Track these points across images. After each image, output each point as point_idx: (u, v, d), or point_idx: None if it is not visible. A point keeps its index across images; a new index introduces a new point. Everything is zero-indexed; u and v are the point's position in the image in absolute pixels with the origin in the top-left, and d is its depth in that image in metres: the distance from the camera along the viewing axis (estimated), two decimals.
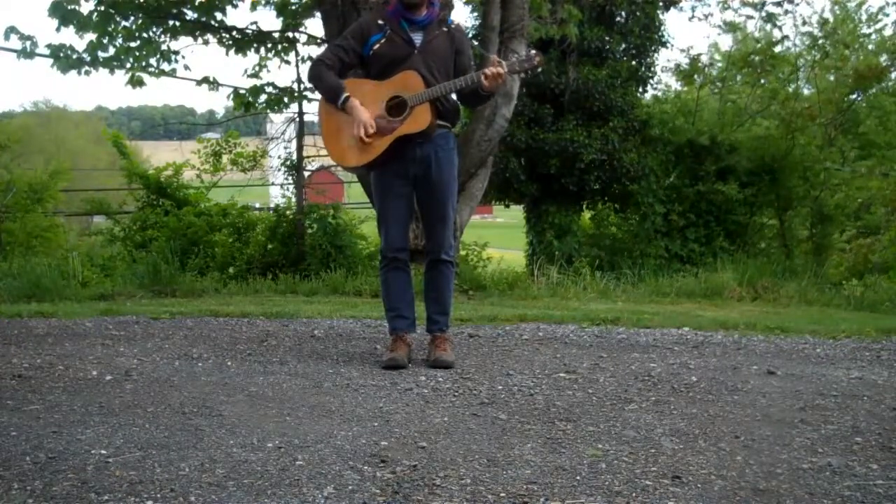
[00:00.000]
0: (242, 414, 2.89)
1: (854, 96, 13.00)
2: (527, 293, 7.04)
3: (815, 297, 7.14)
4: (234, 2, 8.16)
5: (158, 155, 14.68)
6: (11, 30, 7.37)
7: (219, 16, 8.21)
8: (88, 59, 7.72)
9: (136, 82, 8.12)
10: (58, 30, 7.44)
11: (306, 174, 10.04)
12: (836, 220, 12.02)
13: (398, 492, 2.16)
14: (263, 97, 9.01)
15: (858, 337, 4.58)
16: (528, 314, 5.23)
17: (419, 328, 3.93)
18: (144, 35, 8.00)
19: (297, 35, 8.92)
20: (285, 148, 10.42)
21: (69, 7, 7.37)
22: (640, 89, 12.67)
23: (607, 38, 11.83)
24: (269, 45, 8.81)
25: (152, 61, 8.15)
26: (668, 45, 13.71)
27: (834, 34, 12.79)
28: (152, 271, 7.25)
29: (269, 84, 8.96)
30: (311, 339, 4.39)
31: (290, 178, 10.26)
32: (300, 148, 9.72)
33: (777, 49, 12.83)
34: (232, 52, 8.50)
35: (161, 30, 8.11)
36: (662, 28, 12.54)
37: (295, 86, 9.22)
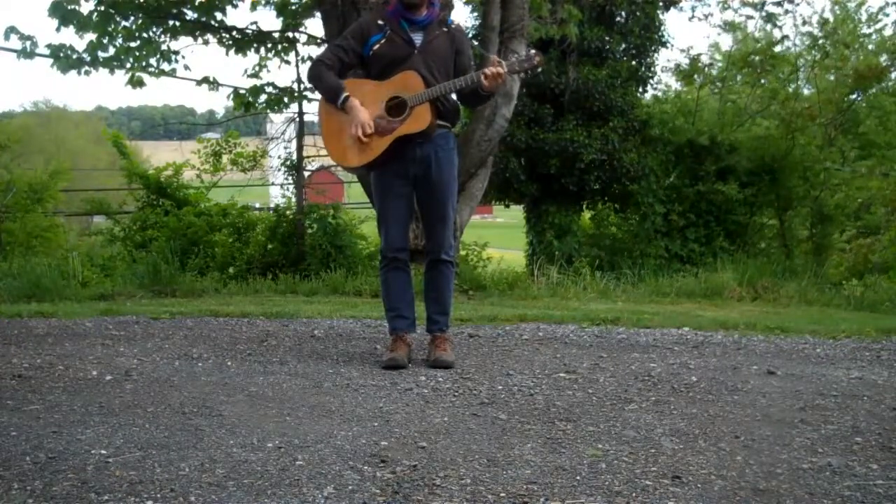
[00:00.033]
0: (242, 414, 2.89)
1: (854, 96, 12.99)
2: (527, 293, 7.04)
3: (815, 297, 7.15)
4: (234, 2, 8.16)
5: (158, 155, 14.68)
6: (11, 30, 7.37)
7: (219, 16, 8.21)
8: (88, 59, 7.72)
9: (136, 82, 8.12)
10: (58, 30, 7.45)
11: (306, 174, 10.04)
12: (836, 220, 12.01)
13: (398, 492, 2.16)
14: (263, 97, 9.02)
15: (858, 337, 4.58)
16: (528, 314, 5.23)
17: (419, 328, 3.93)
18: (144, 35, 8.00)
19: (297, 35, 8.94)
20: (285, 148, 10.43)
21: (69, 7, 7.37)
22: (640, 89, 12.67)
23: (607, 38, 11.82)
24: (269, 45, 8.81)
25: (152, 61, 8.15)
26: (668, 45, 13.73)
27: (834, 34, 12.78)
28: (152, 271, 7.25)
29: (269, 84, 8.97)
30: (311, 339, 4.39)
31: (290, 178, 10.26)
32: (300, 148, 9.72)
33: (777, 49, 12.83)
34: (232, 52, 8.50)
35: (161, 30, 8.12)
36: (662, 28, 12.55)
37: (295, 86, 9.24)
